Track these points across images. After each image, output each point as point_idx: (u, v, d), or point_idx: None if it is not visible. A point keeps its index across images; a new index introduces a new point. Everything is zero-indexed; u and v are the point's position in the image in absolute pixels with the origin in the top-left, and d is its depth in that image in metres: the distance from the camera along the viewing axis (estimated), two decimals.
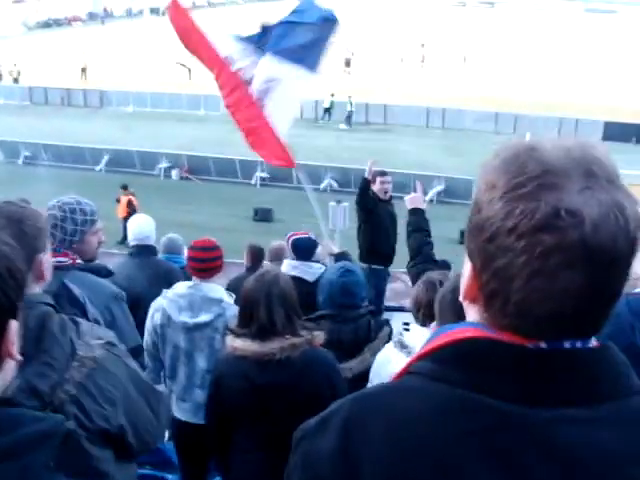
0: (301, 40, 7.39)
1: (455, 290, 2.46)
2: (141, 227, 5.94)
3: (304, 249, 5.82)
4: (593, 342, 1.06)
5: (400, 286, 8.99)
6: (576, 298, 0.97)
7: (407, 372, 1.12)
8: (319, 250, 6.08)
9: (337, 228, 11.27)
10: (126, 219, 19.95)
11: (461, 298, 1.14)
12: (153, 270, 5.66)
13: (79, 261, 3.54)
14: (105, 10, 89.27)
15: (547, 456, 0.97)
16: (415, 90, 42.02)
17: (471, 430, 0.99)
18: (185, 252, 5.99)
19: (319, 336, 3.44)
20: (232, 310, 4.21)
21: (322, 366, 3.43)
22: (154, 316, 4.46)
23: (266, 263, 7.14)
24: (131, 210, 19.94)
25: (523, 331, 1.02)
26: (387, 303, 8.88)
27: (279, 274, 3.54)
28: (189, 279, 4.69)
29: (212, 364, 4.27)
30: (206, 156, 27.86)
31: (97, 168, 28.15)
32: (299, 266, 5.63)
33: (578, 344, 1.03)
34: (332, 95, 37.66)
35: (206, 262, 4.46)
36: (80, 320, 2.00)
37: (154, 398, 2.23)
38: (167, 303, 4.40)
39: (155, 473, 4.53)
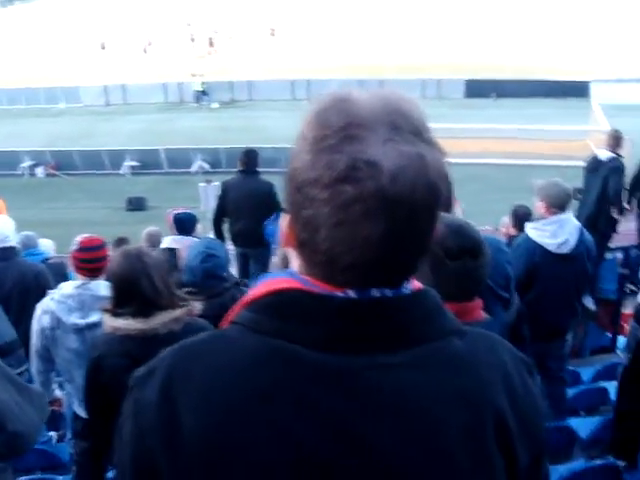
0: None
1: None
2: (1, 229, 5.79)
3: (185, 223, 5.90)
4: (407, 289, 1.08)
5: None
6: (378, 248, 0.99)
7: (231, 321, 1.12)
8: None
9: (209, 208, 11.18)
10: None
11: (281, 246, 1.16)
12: (19, 272, 5.54)
13: None
14: None
15: (357, 403, 1.00)
16: (279, 64, 41.94)
17: (281, 380, 1.01)
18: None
19: (196, 306, 3.45)
20: None
21: None
22: (42, 319, 4.24)
23: None
24: None
25: (333, 280, 1.04)
26: None
27: (142, 247, 3.51)
28: (61, 277, 4.60)
29: None
30: (71, 150, 27.04)
31: None
32: (180, 240, 5.64)
33: (387, 292, 1.05)
34: (193, 75, 37.34)
35: (95, 262, 4.31)
36: None
37: (27, 398, 2.20)
38: (55, 305, 4.21)
39: (45, 477, 4.47)
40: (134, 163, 26.32)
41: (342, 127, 0.99)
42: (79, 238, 4.47)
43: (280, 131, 26.94)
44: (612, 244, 8.43)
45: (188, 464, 1.00)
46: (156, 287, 3.26)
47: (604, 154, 8.23)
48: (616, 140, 8.28)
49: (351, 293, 1.04)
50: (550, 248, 4.72)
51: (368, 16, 56.82)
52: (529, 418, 1.13)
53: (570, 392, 5.49)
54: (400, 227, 0.99)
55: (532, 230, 4.81)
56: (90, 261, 4.31)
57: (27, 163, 27.13)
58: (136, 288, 3.26)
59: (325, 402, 1.00)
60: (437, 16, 55.28)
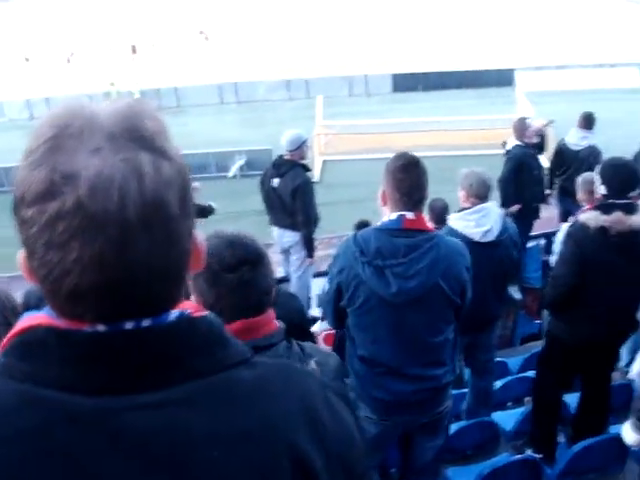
0: None
1: None
2: None
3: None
4: (170, 318, 0.97)
5: None
6: (97, 272, 0.87)
7: None
8: None
9: None
10: None
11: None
12: None
13: None
14: None
15: (113, 447, 0.89)
16: (205, 68, 41.57)
17: (29, 427, 0.89)
18: None
19: None
20: None
21: None
22: None
23: None
24: None
25: (70, 313, 0.93)
26: None
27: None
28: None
29: None
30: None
31: None
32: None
33: (145, 323, 0.94)
34: (112, 84, 36.69)
35: None
36: None
37: None
38: None
39: None
40: None
41: (49, 138, 0.89)
42: None
43: (209, 136, 26.84)
44: (533, 232, 8.49)
45: None
46: None
47: (510, 143, 8.40)
48: (517, 128, 8.43)
49: (100, 327, 0.92)
50: (474, 237, 4.68)
51: (292, 16, 56.86)
52: (342, 455, 1.02)
53: (498, 384, 5.49)
54: (118, 247, 0.87)
55: (456, 221, 4.77)
56: None
57: None
58: None
59: (78, 450, 0.88)
60: (359, 13, 55.55)
